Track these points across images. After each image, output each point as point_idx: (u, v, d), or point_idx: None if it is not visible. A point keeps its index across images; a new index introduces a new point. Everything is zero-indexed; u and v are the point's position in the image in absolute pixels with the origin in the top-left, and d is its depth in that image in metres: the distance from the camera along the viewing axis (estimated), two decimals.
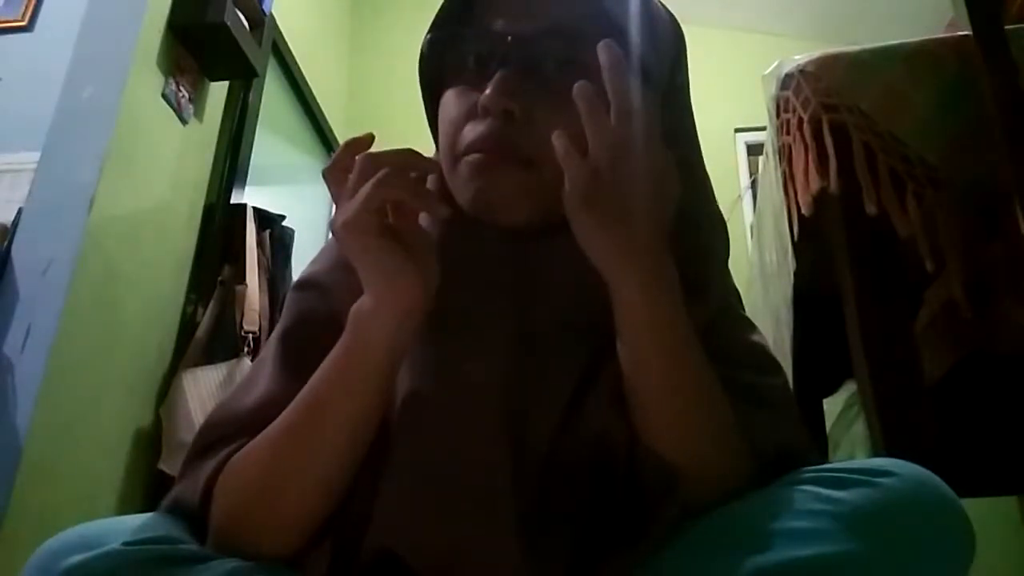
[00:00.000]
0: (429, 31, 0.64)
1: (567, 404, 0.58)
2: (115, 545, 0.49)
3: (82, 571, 0.48)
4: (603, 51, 0.52)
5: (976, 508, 0.55)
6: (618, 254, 0.53)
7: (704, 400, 0.56)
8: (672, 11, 0.68)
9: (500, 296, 0.60)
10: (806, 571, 0.45)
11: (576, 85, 0.51)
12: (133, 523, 0.53)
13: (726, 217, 0.72)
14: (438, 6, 0.64)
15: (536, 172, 0.57)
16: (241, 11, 1.95)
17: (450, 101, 0.62)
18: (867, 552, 0.44)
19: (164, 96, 1.79)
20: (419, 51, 0.65)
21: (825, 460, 0.56)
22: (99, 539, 0.49)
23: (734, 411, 0.57)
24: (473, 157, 0.58)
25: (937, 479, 0.48)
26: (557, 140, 0.52)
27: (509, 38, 0.59)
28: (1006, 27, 0.90)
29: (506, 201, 0.59)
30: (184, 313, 1.87)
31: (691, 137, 0.70)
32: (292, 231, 2.14)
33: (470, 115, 0.59)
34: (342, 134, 3.13)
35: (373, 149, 0.55)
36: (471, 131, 0.58)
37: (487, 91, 0.56)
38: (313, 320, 0.64)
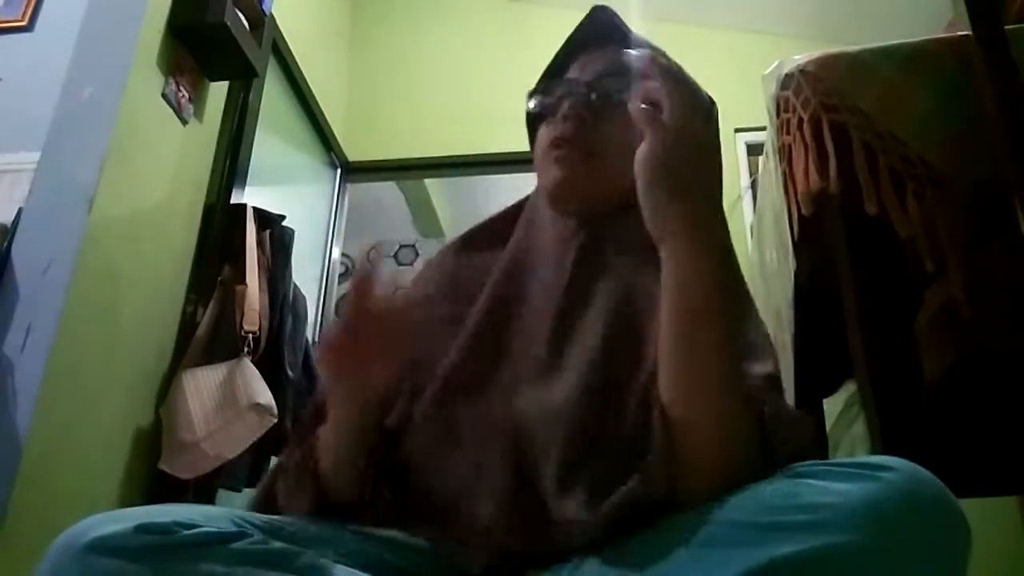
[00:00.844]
0: (532, 90, 0.88)
1: (604, 366, 0.68)
2: (135, 523, 0.50)
3: (103, 544, 0.49)
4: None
5: (976, 508, 0.55)
6: (678, 225, 0.60)
7: (728, 381, 0.60)
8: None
9: (563, 266, 0.77)
10: (807, 564, 0.45)
11: (647, 55, 0.65)
12: (155, 509, 0.54)
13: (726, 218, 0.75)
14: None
15: (598, 161, 0.80)
16: (241, 11, 1.95)
17: (543, 130, 0.85)
18: (866, 544, 0.45)
19: (164, 96, 1.79)
20: (526, 106, 0.89)
21: (825, 458, 0.57)
22: (120, 520, 0.51)
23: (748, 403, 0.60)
24: (554, 152, 0.81)
25: (933, 476, 0.49)
26: (635, 109, 0.62)
27: (579, 81, 0.83)
28: (1006, 27, 0.90)
29: (576, 183, 0.80)
30: (184, 313, 1.87)
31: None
32: (292, 231, 2.14)
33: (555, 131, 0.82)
34: (342, 134, 3.13)
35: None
36: (554, 130, 0.81)
37: (566, 104, 0.81)
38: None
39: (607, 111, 0.80)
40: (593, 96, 0.81)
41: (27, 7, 1.91)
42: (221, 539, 0.51)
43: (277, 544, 0.53)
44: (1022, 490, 1.45)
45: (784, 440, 0.60)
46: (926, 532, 0.46)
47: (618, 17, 0.86)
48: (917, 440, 0.86)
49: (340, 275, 3.17)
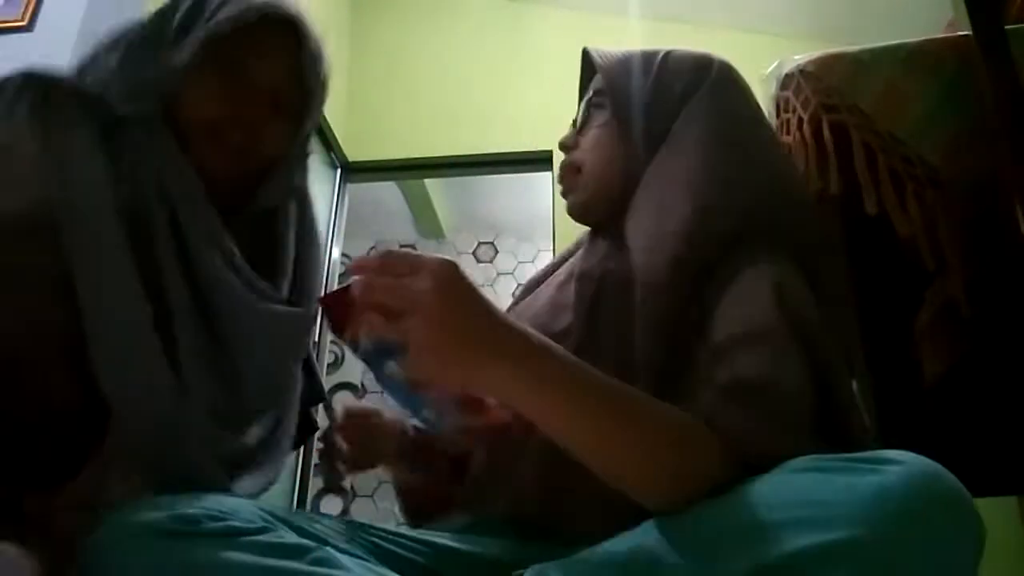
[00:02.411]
0: None
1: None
2: (169, 513, 0.54)
3: (146, 529, 0.53)
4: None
5: (976, 508, 0.55)
6: (503, 385, 0.57)
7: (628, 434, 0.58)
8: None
9: (586, 256, 0.89)
10: (815, 560, 0.45)
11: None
12: (190, 500, 0.57)
13: None
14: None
15: (586, 172, 0.91)
16: None
17: None
18: (874, 538, 0.45)
19: None
20: None
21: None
22: (159, 507, 0.55)
23: (742, 413, 0.60)
24: (561, 185, 0.96)
25: (942, 468, 0.48)
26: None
27: None
28: (1006, 27, 0.90)
29: (579, 201, 0.92)
30: None
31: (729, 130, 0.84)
32: None
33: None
34: (342, 134, 3.13)
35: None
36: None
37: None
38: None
39: (583, 124, 0.93)
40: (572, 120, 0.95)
41: (27, 7, 1.90)
42: (246, 532, 0.55)
43: (294, 538, 0.57)
44: (1022, 490, 1.45)
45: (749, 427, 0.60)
46: (937, 526, 0.46)
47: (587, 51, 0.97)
48: (917, 440, 0.86)
49: (340, 275, 3.17)
